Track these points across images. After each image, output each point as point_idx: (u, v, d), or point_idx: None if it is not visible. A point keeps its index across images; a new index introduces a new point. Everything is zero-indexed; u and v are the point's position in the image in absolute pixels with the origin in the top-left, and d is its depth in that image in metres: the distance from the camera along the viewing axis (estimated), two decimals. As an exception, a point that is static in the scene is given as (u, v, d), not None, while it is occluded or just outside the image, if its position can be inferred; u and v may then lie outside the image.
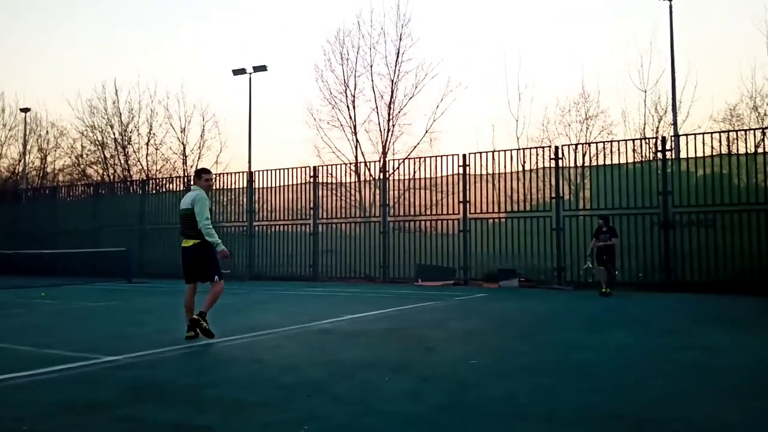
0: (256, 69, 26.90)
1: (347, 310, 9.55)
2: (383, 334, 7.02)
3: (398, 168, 19.02)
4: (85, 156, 33.40)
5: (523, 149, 17.49)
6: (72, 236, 23.09)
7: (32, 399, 3.98)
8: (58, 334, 7.18)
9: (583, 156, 17.42)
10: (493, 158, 16.92)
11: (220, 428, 3.31)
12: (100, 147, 32.89)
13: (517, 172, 16.63)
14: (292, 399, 3.95)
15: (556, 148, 16.25)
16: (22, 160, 34.00)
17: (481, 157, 17.06)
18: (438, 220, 17.64)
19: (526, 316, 9.14)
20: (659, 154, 15.02)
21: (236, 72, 27.17)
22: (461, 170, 17.08)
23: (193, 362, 5.34)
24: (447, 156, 17.61)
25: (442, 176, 17.60)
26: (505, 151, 16.95)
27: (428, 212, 17.84)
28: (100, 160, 33.00)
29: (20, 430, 3.29)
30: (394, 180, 18.76)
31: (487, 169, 16.86)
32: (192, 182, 7.11)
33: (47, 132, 35.43)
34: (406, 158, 21.30)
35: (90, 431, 3.30)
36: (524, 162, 16.78)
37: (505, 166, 16.63)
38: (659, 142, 15.23)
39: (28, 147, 34.07)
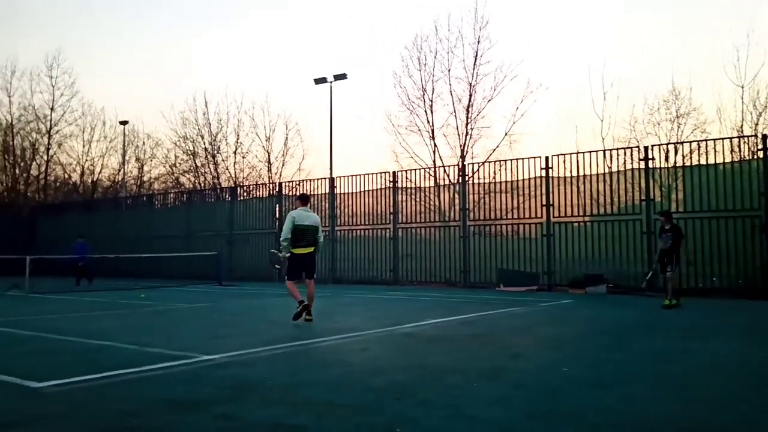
0: (337, 77, 27.47)
1: (430, 315, 9.55)
2: (468, 340, 6.96)
3: (477, 171, 18.82)
4: (178, 165, 35.32)
5: (610, 150, 16.86)
6: (167, 241, 24.46)
7: (139, 395, 4.24)
8: (158, 333, 7.62)
9: (675, 156, 16.58)
10: (578, 160, 16.41)
11: (314, 428, 3.39)
12: (191, 156, 34.69)
13: (603, 174, 16.05)
14: (382, 402, 4.00)
15: (646, 148, 15.54)
16: (122, 170, 36.38)
17: (564, 159, 16.59)
18: (520, 224, 17.30)
19: (617, 324, 8.78)
20: (760, 153, 14.04)
21: (318, 81, 27.86)
22: (544, 173, 16.68)
23: (284, 363, 5.51)
24: (529, 158, 17.25)
25: (523, 179, 17.26)
26: (590, 152, 16.41)
27: (509, 216, 17.54)
28: (191, 168, 34.80)
29: (130, 423, 3.51)
30: (473, 184, 18.59)
31: (571, 172, 16.37)
32: (303, 203, 8.97)
33: (144, 143, 37.80)
34: (486, 161, 21.06)
35: (192, 427, 3.46)
36: (610, 163, 16.18)
37: (590, 168, 16.09)
38: (759, 140, 14.24)
39: (127, 157, 36.42)
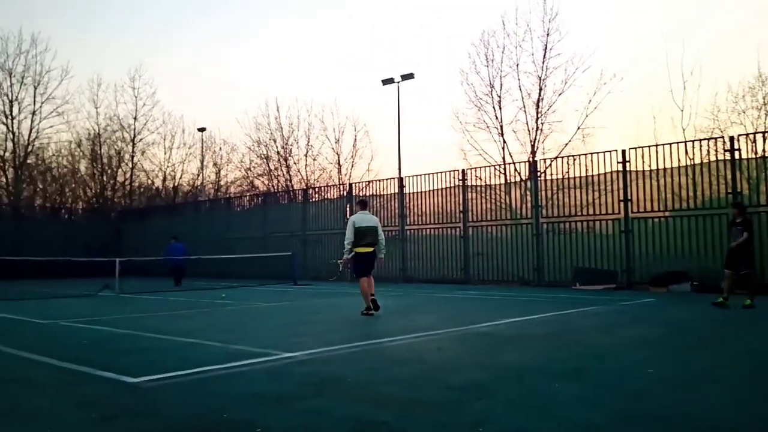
0: (404, 77, 27.57)
1: (504, 314, 9.43)
2: (547, 339, 6.84)
3: (549, 167, 18.41)
4: (252, 169, 36.53)
5: (692, 141, 16.07)
6: (244, 242, 25.33)
7: (228, 389, 4.43)
8: (240, 331, 7.91)
9: (764, 145, 15.63)
10: (657, 152, 15.73)
11: (397, 425, 3.44)
12: (265, 160, 35.78)
13: (685, 167, 15.32)
14: (463, 400, 4.00)
15: (731, 138, 14.70)
16: (200, 175, 37.94)
17: (642, 151, 15.95)
18: (595, 220, 16.78)
19: (705, 323, 8.38)
20: None
21: (385, 82, 28.06)
22: (621, 167, 16.10)
23: (362, 360, 5.60)
24: (604, 152, 16.70)
25: (598, 174, 16.72)
26: (670, 144, 15.70)
27: (584, 212, 17.05)
28: (265, 172, 35.90)
29: (222, 417, 3.68)
30: (545, 180, 18.18)
31: (650, 165, 15.72)
32: (362, 207, 9.95)
33: (220, 148, 39.31)
34: (558, 157, 20.54)
35: (280, 421, 3.59)
36: (692, 155, 15.43)
37: (670, 161, 15.40)
38: None
39: (205, 162, 37.94)
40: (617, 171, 16.20)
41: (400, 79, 27.71)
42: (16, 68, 33.96)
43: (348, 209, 22.83)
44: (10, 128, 33.76)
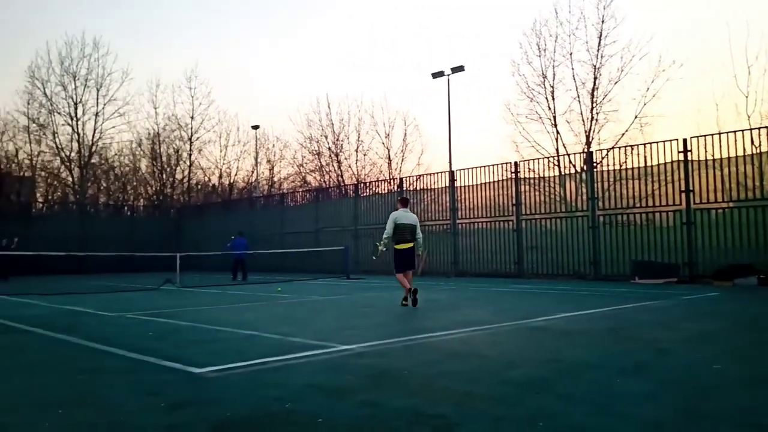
0: (454, 70, 27.36)
1: (560, 308, 9.28)
2: (605, 334, 6.70)
3: (605, 158, 17.93)
4: (304, 165, 37.08)
5: (757, 128, 15.34)
6: (297, 237, 25.79)
7: (288, 381, 4.54)
8: (297, 324, 8.07)
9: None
10: (720, 141, 15.09)
11: (455, 418, 3.45)
12: (316, 156, 36.27)
13: (750, 155, 14.66)
14: (521, 395, 3.98)
15: (803, 123, 13.96)
16: (255, 171, 38.77)
17: (705, 140, 15.34)
18: (655, 211, 16.28)
19: (774, 319, 8.02)
20: None
21: (435, 75, 27.92)
22: (681, 156, 15.54)
23: (418, 354, 5.63)
24: (664, 142, 16.15)
25: (658, 164, 16.19)
26: (734, 132, 15.04)
27: (642, 204, 16.55)
28: (317, 167, 36.38)
29: (285, 407, 3.78)
30: (601, 171, 17.73)
31: (713, 154, 15.11)
32: (403, 205, 10.33)
33: (273, 145, 40.16)
34: (614, 147, 20.00)
35: (340, 412, 3.66)
36: (758, 143, 14.73)
37: (735, 149, 14.76)
38: None
39: (259, 159, 38.74)
40: (678, 161, 15.66)
41: (450, 72, 27.52)
42: (80, 71, 35.56)
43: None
44: (75, 129, 35.40)
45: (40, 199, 35.52)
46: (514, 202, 19.35)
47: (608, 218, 17.34)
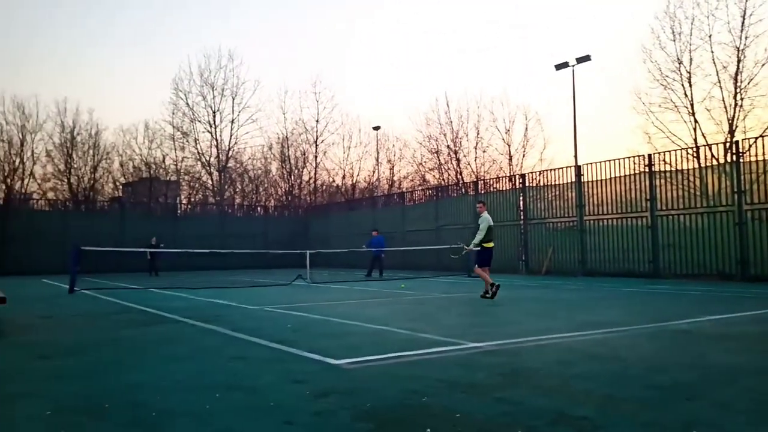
0: (580, 60, 26.26)
1: (705, 310, 8.63)
2: (760, 339, 6.14)
3: (753, 147, 16.33)
4: (423, 163, 37.37)
5: None
6: (417, 235, 26.05)
7: (421, 375, 4.63)
8: (424, 320, 8.18)
9: None
10: None
11: (599, 421, 3.35)
12: (435, 154, 36.40)
13: None
14: (669, 400, 3.77)
15: None
16: (376, 171, 39.69)
17: None
18: (815, 206, 14.59)
19: None
20: None
21: (558, 66, 26.96)
22: None
23: (552, 354, 5.49)
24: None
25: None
26: None
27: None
28: (436, 166, 36.52)
29: (420, 401, 3.86)
30: (748, 162, 16.17)
31: None
32: (484, 208, 11.67)
33: (393, 145, 40.87)
34: (763, 135, 18.15)
35: (477, 408, 3.67)
36: None
37: None
38: None
39: (379, 159, 39.62)
40: None
41: (575, 63, 26.43)
42: (217, 82, 38.38)
43: (522, 200, 22.37)
44: (214, 136, 38.27)
45: (184, 201, 38.75)
46: (647, 197, 18.20)
47: (758, 213, 15.79)
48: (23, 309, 10.24)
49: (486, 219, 11.06)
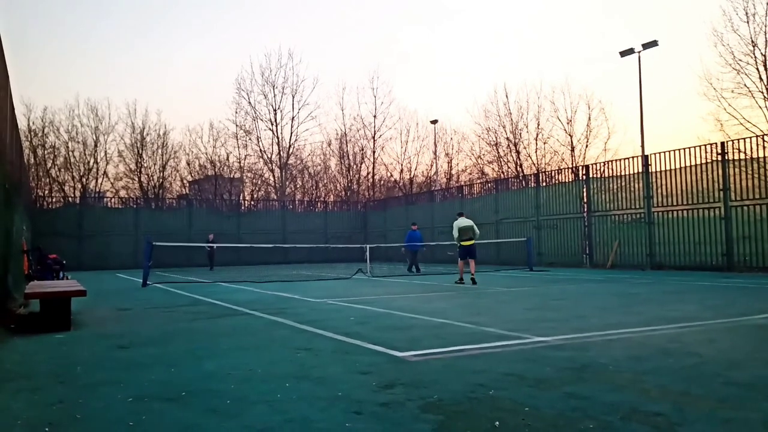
0: (646, 46, 25.29)
1: (786, 305, 8.18)
2: None
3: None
4: (482, 156, 36.94)
5: None
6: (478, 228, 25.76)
7: (487, 368, 4.61)
8: (487, 314, 8.12)
9: None
10: None
11: (675, 417, 3.25)
12: (494, 147, 35.90)
13: None
14: (750, 397, 3.61)
15: None
16: (434, 165, 39.52)
17: None
18: None
19: None
20: None
21: (623, 53, 26.06)
22: None
23: (621, 349, 5.35)
24: None
25: None
26: None
27: None
28: (495, 158, 36.02)
29: (487, 394, 3.85)
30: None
31: None
32: (460, 215, 14.46)
33: (451, 138, 40.53)
34: None
35: (545, 402, 3.63)
36: None
37: None
38: None
39: (437, 153, 39.43)
40: None
41: (641, 49, 25.45)
42: (278, 80, 39.14)
43: (585, 193, 21.80)
44: (275, 133, 39.06)
45: (248, 197, 39.77)
46: (721, 187, 17.38)
47: None
48: (101, 302, 10.81)
49: (455, 224, 13.96)
